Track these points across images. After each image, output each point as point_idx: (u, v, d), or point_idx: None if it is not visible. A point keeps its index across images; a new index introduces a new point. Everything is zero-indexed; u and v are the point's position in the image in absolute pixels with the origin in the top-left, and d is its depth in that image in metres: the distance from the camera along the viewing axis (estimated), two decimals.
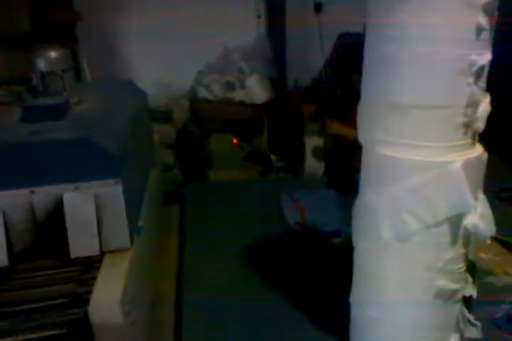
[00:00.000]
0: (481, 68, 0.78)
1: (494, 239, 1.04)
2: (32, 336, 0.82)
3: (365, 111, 0.89)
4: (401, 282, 0.90)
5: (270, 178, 2.02)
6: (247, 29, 3.73)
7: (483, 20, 0.75)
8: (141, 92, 1.53)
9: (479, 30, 0.75)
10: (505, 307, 1.11)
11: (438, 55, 0.77)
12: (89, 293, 0.86)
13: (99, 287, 0.86)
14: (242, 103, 3.45)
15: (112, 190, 0.95)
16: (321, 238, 1.42)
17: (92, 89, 1.33)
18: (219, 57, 3.66)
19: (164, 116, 2.67)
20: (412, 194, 0.83)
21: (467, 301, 0.96)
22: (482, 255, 1.26)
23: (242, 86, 3.54)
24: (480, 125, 0.81)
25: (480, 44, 0.77)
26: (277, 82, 3.40)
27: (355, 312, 0.99)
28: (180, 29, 3.55)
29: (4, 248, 0.92)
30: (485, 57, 0.77)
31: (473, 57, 0.77)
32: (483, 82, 0.80)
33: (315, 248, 1.40)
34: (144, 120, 1.41)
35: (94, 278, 0.90)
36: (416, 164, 0.83)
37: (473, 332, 1.01)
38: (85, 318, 0.82)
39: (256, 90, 3.48)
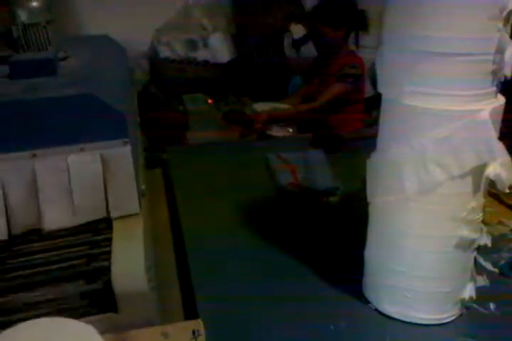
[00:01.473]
0: (511, 12, 0.76)
1: None
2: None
3: (387, 60, 0.86)
4: (423, 233, 0.90)
5: (252, 138, 1.98)
6: None
7: None
8: (121, 48, 1.44)
9: None
10: (505, 254, 1.15)
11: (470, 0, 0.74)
12: (106, 254, 0.82)
13: (117, 257, 0.81)
14: (206, 63, 3.36)
15: (121, 151, 0.89)
16: (317, 196, 1.41)
17: (72, 44, 1.23)
18: (179, 14, 3.52)
19: None
20: (439, 144, 0.82)
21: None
22: None
23: (205, 44, 3.43)
24: (508, 71, 0.79)
25: None
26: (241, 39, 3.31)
27: (372, 264, 0.99)
28: None
29: (4, 220, 0.85)
30: None
31: (504, 0, 0.74)
32: (509, 28, 0.79)
33: (311, 207, 1.39)
34: (128, 76, 1.32)
35: (107, 239, 0.86)
36: (444, 114, 0.81)
37: (481, 281, 1.04)
38: (108, 288, 0.77)
39: (220, 49, 3.38)
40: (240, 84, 2.98)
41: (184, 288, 1.09)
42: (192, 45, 3.39)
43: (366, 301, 1.00)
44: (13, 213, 0.85)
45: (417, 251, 0.91)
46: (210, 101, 2.28)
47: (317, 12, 2.13)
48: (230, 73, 3.20)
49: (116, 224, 0.90)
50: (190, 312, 0.99)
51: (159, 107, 2.63)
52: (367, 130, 2.01)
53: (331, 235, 1.25)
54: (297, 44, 3.18)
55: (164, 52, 3.41)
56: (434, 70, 0.80)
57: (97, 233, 0.89)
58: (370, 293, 1.00)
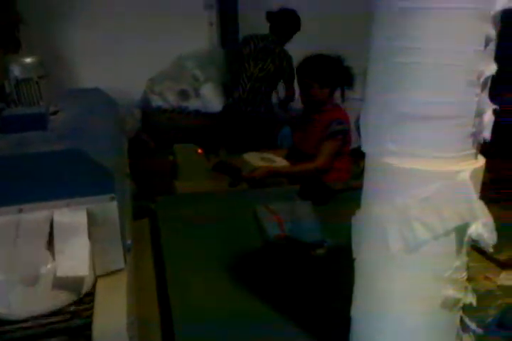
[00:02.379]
0: (488, 78, 0.79)
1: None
2: None
3: (370, 121, 0.89)
4: (407, 292, 0.90)
5: (241, 189, 1.99)
6: (200, 37, 3.72)
7: (491, 31, 0.76)
8: (112, 101, 1.47)
9: (487, 41, 0.77)
10: (492, 311, 1.14)
11: (448, 67, 0.78)
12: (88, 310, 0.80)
13: (99, 313, 0.80)
14: (197, 112, 3.43)
15: (107, 207, 0.89)
16: (303, 249, 1.41)
17: (64, 97, 1.25)
18: (172, 65, 3.62)
19: None
20: (422, 203, 0.83)
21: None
22: None
23: (197, 94, 3.51)
24: (487, 135, 0.82)
25: (487, 55, 0.78)
26: (231, 89, 3.40)
27: (358, 323, 0.98)
28: (131, 36, 3.48)
29: None
30: (492, 68, 0.78)
31: (481, 68, 0.78)
32: (487, 92, 0.82)
33: (298, 259, 1.38)
34: (118, 129, 1.35)
35: (90, 295, 0.84)
36: (426, 174, 0.83)
37: (468, 339, 1.03)
38: None
39: (211, 99, 3.46)
40: (229, 134, 3.03)
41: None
42: (184, 95, 3.47)
43: None
44: None
45: (401, 310, 0.91)
46: (200, 151, 2.31)
47: (304, 69, 2.21)
48: (219, 124, 3.26)
49: (99, 280, 0.89)
50: None
51: (150, 155, 2.66)
52: (355, 181, 2.03)
53: (318, 289, 1.24)
54: (284, 104, 3.29)
55: (156, 102, 3.48)
56: (414, 132, 0.82)
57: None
58: None
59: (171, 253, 1.42)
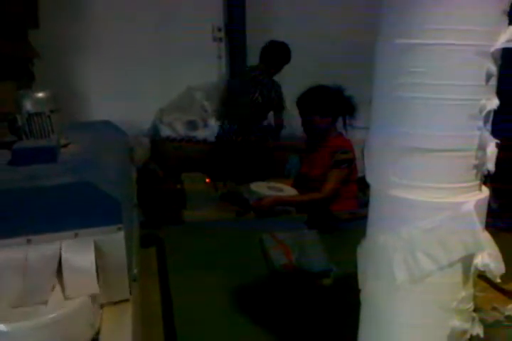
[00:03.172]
0: (490, 112, 0.81)
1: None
2: None
3: (374, 154, 0.90)
4: (413, 323, 0.89)
5: (248, 218, 1.99)
6: (210, 69, 3.80)
7: (492, 67, 0.78)
8: (121, 132, 1.50)
9: (488, 76, 0.79)
10: None
11: (451, 101, 0.80)
12: None
13: None
14: (205, 142, 3.46)
15: (114, 237, 0.90)
16: (309, 279, 1.40)
17: (74, 130, 1.28)
18: (181, 96, 3.68)
19: None
20: (427, 235, 0.84)
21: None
22: None
23: (205, 125, 3.56)
24: (490, 166, 0.83)
25: (488, 89, 0.80)
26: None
27: None
28: (142, 69, 3.57)
29: None
30: (493, 102, 0.80)
31: (483, 102, 0.80)
32: (489, 126, 0.83)
33: (304, 289, 1.37)
34: (127, 159, 1.37)
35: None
36: (430, 205, 0.84)
37: None
38: None
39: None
40: (231, 164, 3.03)
41: None
42: (192, 125, 3.52)
43: None
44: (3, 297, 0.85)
45: (407, 340, 0.90)
46: (207, 180, 2.32)
47: (305, 101, 2.22)
48: (214, 154, 3.28)
49: (105, 310, 0.90)
50: None
51: (158, 184, 2.68)
52: (361, 210, 2.04)
53: (325, 319, 1.23)
54: (274, 133, 3.31)
55: (165, 131, 3.53)
56: (419, 164, 0.83)
57: None
58: None
59: (177, 282, 1.42)
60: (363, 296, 0.97)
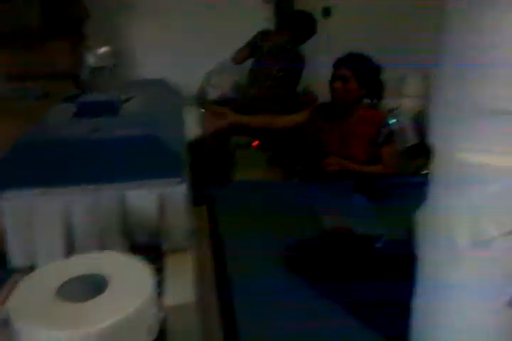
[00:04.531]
0: None
1: None
2: None
3: (442, 117, 0.87)
4: (473, 288, 0.88)
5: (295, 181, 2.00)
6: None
7: None
8: (176, 91, 1.50)
9: None
10: None
11: None
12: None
13: (169, 286, 0.83)
14: None
15: (176, 190, 0.92)
16: (361, 241, 1.40)
17: (131, 86, 1.29)
18: (229, 58, 3.65)
19: None
20: (493, 200, 0.82)
21: None
22: None
23: None
24: None
25: None
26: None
27: (418, 317, 0.97)
28: (193, 30, 3.55)
29: (62, 253, 0.88)
30: None
31: None
32: None
33: (355, 252, 1.38)
34: (183, 118, 1.38)
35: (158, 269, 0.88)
36: (498, 170, 0.81)
37: None
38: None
39: None
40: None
41: (227, 328, 1.09)
42: (240, 87, 3.50)
43: None
44: (75, 240, 0.90)
45: (465, 306, 0.89)
46: (255, 142, 2.33)
47: (348, 61, 2.14)
48: None
49: (166, 257, 0.93)
50: None
51: (207, 145, 2.70)
52: (409, 178, 2.01)
53: (376, 281, 1.24)
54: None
55: (213, 94, 3.53)
56: (488, 127, 0.80)
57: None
58: None
59: (228, 240, 1.45)
60: (420, 260, 0.96)
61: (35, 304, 0.57)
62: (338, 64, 2.15)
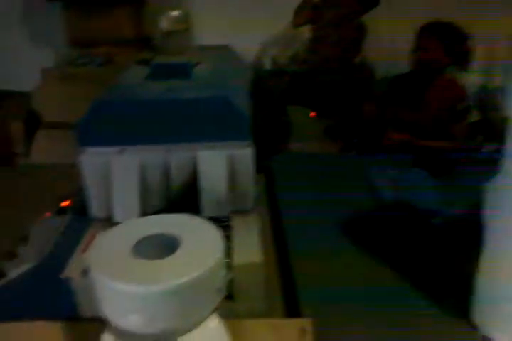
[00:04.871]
0: None
1: None
2: None
3: None
4: None
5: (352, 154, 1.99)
6: None
7: None
8: (241, 58, 1.52)
9: None
10: None
11: None
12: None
13: (237, 246, 0.87)
14: None
15: (244, 152, 0.95)
16: (420, 215, 1.39)
17: (199, 51, 1.31)
18: (286, 30, 3.61)
19: None
20: None
21: None
22: None
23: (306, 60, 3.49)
24: None
25: None
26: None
27: (483, 289, 0.96)
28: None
29: (137, 206, 0.92)
30: None
31: None
32: None
33: (415, 224, 1.37)
34: (249, 84, 1.39)
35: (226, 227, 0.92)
36: None
37: None
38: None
39: None
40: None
41: (286, 289, 1.12)
42: (296, 59, 3.46)
43: (473, 327, 0.97)
44: (147, 195, 0.94)
45: None
46: (312, 113, 2.32)
47: (436, 27, 2.08)
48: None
49: (233, 218, 0.96)
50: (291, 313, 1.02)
51: (264, 116, 2.71)
52: (473, 154, 1.96)
53: (435, 256, 1.23)
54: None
55: (269, 65, 3.52)
56: None
57: (215, 221, 0.94)
58: (478, 319, 0.97)
59: (286, 208, 1.47)
60: (487, 234, 0.95)
61: (114, 259, 0.61)
62: (422, 33, 2.09)
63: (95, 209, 0.95)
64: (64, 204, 1.10)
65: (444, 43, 2.03)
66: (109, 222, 0.92)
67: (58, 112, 2.93)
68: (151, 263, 0.60)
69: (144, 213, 0.92)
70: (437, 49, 2.05)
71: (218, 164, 0.92)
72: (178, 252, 0.62)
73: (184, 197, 0.95)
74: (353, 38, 3.03)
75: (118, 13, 3.08)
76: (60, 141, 3.06)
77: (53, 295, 0.81)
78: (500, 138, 0.89)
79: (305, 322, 0.78)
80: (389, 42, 3.20)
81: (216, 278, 0.62)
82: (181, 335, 0.62)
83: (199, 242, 0.63)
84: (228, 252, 0.85)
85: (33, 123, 3.05)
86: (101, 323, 0.63)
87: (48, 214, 1.11)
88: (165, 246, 0.63)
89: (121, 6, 3.11)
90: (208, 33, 3.40)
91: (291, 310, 1.02)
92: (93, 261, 0.61)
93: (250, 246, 0.86)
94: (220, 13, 3.53)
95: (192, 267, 0.59)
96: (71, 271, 0.81)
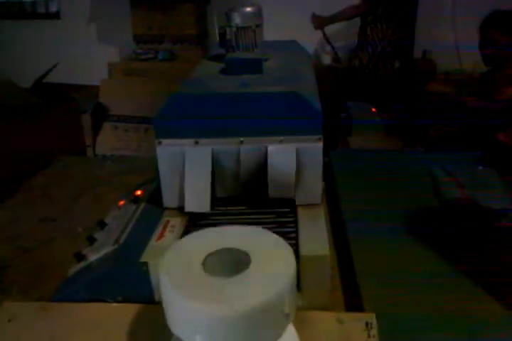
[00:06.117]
0: None
1: None
2: None
3: None
4: None
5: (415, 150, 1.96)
6: None
7: None
8: (307, 53, 1.52)
9: None
10: None
11: None
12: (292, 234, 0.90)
13: (303, 238, 0.88)
14: None
15: (314, 147, 0.96)
16: (486, 215, 1.36)
17: (267, 46, 1.33)
18: (344, 24, 3.58)
19: None
20: None
21: None
22: None
23: None
24: None
25: None
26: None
27: None
28: None
29: (208, 197, 0.96)
30: None
31: None
32: None
33: (479, 226, 1.34)
34: (315, 79, 1.40)
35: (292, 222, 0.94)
36: None
37: None
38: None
39: None
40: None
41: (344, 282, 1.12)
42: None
43: None
44: (218, 187, 0.99)
45: None
46: (373, 109, 2.30)
47: (495, 21, 2.01)
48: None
49: (300, 211, 0.98)
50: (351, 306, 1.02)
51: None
52: None
53: (502, 257, 1.20)
54: None
55: (327, 59, 3.51)
56: None
57: (281, 215, 0.97)
58: None
59: (346, 204, 1.47)
60: None
61: (185, 275, 0.59)
62: (485, 26, 2.03)
63: (167, 199, 0.99)
64: (137, 193, 1.15)
65: (507, 34, 1.95)
66: (180, 211, 0.96)
67: (122, 105, 3.05)
68: (221, 282, 0.58)
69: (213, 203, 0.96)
70: (503, 41, 1.97)
71: (288, 158, 0.94)
72: (248, 271, 0.59)
73: (252, 186, 0.97)
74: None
75: (182, 10, 3.16)
76: (123, 133, 3.19)
77: (131, 278, 0.86)
78: None
79: (369, 317, 0.79)
80: (451, 37, 3.12)
81: (284, 302, 0.57)
82: None
83: (269, 262, 0.60)
84: (296, 245, 0.87)
85: (100, 116, 3.18)
86: None
87: (121, 203, 1.16)
88: (234, 261, 0.62)
89: (185, 3, 3.19)
90: (274, 28, 3.43)
91: (352, 303, 1.03)
92: (165, 274, 0.59)
93: (317, 240, 0.88)
94: (287, 8, 3.53)
95: (260, 290, 0.56)
96: (148, 256, 0.86)
